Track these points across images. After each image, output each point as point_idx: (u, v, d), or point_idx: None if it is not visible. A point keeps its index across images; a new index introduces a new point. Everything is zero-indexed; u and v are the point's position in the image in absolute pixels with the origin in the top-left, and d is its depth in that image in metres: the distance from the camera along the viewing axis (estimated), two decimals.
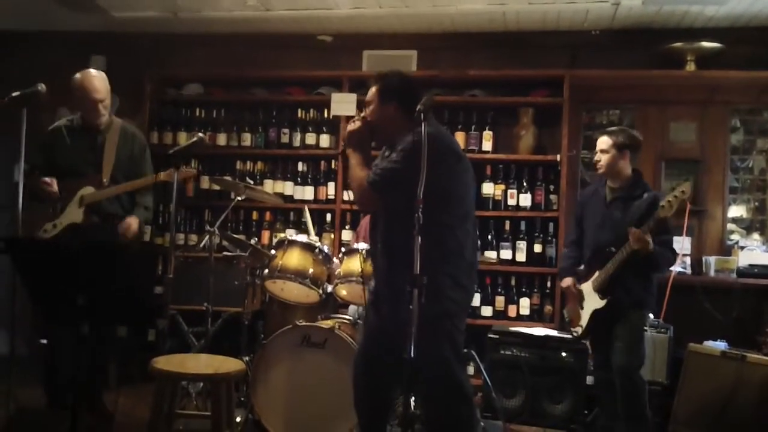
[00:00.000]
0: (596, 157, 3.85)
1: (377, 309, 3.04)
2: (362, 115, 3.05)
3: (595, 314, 3.76)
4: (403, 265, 2.58)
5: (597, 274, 3.72)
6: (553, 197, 5.04)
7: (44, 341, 3.97)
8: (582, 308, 3.85)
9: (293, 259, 3.92)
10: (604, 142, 3.82)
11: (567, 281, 3.94)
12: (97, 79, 3.95)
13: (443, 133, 3.05)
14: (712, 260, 4.88)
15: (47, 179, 3.90)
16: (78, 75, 3.96)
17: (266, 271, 3.97)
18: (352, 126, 3.04)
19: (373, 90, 3.05)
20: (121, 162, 4.02)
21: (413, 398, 3.35)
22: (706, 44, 4.91)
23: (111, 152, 3.99)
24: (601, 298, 3.70)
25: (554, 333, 4.54)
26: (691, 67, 4.97)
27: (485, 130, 5.16)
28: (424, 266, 2.51)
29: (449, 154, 2.91)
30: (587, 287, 3.79)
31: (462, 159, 2.99)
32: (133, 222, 3.96)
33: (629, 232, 3.51)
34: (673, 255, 3.73)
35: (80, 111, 4.03)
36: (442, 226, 2.84)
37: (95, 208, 3.94)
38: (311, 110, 5.41)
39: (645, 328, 4.13)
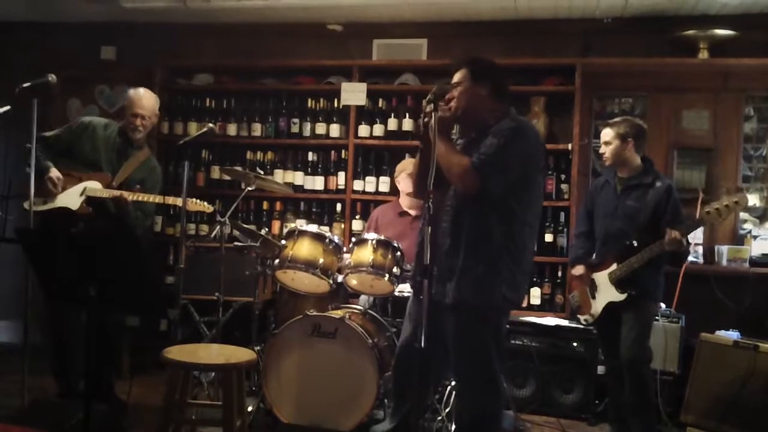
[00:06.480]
0: (601, 150, 3.86)
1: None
2: (450, 100, 2.94)
3: (609, 305, 3.74)
4: (489, 248, 2.78)
5: (615, 266, 3.69)
6: (564, 186, 5.01)
7: (55, 331, 3.99)
8: (594, 297, 3.83)
9: (304, 249, 3.92)
10: (606, 134, 3.82)
11: (580, 269, 3.91)
12: (146, 97, 4.07)
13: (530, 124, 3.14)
14: (724, 249, 4.85)
15: (55, 178, 3.90)
16: (132, 89, 4.11)
17: (277, 260, 3.98)
18: (444, 113, 2.87)
19: (463, 72, 2.96)
20: (134, 181, 4.06)
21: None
22: (719, 31, 4.86)
23: (130, 167, 4.05)
24: (620, 292, 3.67)
25: (565, 323, 4.54)
26: (704, 54, 4.91)
27: None
28: (486, 253, 2.63)
29: (539, 146, 3.00)
30: (602, 277, 3.76)
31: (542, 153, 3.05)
32: (125, 194, 3.93)
33: (666, 233, 3.47)
34: (688, 245, 3.72)
35: (122, 122, 4.11)
36: (514, 217, 2.85)
37: (93, 203, 3.94)
38: (321, 99, 5.39)
39: (657, 318, 4.12)
